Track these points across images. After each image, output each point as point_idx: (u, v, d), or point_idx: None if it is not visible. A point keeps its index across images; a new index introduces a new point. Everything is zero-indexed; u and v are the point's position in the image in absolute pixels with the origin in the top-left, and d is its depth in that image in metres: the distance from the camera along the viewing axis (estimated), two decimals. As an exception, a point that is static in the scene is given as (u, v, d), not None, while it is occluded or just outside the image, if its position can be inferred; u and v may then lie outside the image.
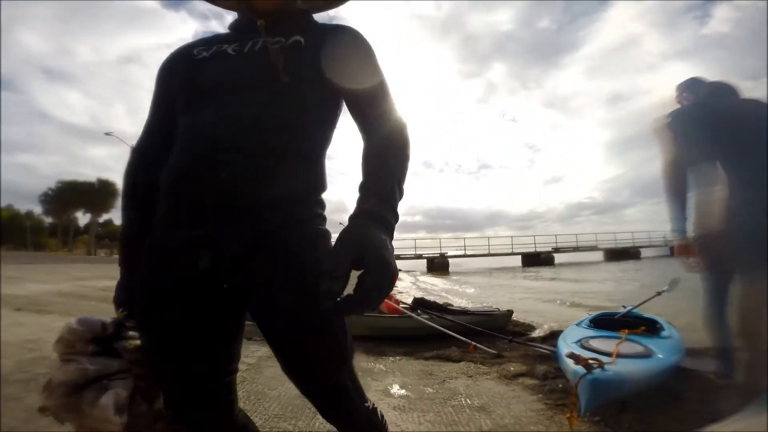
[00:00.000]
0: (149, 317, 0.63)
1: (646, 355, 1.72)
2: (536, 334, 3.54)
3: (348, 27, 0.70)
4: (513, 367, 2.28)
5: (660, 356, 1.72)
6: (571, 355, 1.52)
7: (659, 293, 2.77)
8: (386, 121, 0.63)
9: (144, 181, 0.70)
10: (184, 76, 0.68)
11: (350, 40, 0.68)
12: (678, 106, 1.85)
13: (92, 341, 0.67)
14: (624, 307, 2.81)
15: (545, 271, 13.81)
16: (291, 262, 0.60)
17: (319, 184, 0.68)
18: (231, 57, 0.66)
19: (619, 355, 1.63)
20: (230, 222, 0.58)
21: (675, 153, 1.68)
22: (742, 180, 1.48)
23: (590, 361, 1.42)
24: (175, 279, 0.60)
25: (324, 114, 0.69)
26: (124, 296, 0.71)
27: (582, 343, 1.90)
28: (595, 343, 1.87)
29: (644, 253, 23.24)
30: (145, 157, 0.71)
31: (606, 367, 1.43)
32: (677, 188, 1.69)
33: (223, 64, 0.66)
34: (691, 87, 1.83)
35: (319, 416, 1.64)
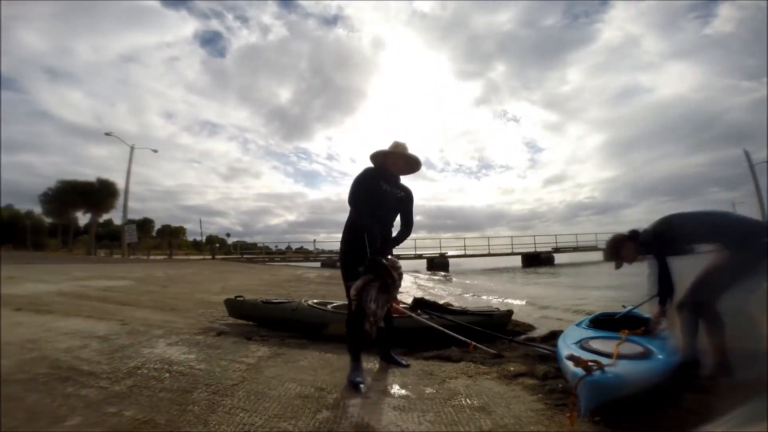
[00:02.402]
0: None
1: (646, 355, 1.72)
2: (536, 333, 3.54)
3: (410, 190, 2.36)
4: (513, 367, 2.28)
5: (660, 357, 1.72)
6: (571, 357, 1.52)
7: None
8: (407, 227, 2.40)
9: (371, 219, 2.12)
10: (378, 195, 2.15)
11: (411, 196, 2.37)
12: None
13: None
14: (624, 306, 2.80)
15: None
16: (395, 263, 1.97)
17: (397, 237, 2.39)
18: (390, 194, 2.21)
19: (619, 356, 1.63)
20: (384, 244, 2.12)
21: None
22: None
23: (590, 363, 1.42)
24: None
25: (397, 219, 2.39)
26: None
27: (582, 344, 1.90)
28: (595, 344, 1.87)
29: (644, 253, 23.14)
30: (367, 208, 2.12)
31: (606, 369, 1.43)
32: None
33: (388, 196, 2.21)
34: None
35: (318, 416, 1.63)
